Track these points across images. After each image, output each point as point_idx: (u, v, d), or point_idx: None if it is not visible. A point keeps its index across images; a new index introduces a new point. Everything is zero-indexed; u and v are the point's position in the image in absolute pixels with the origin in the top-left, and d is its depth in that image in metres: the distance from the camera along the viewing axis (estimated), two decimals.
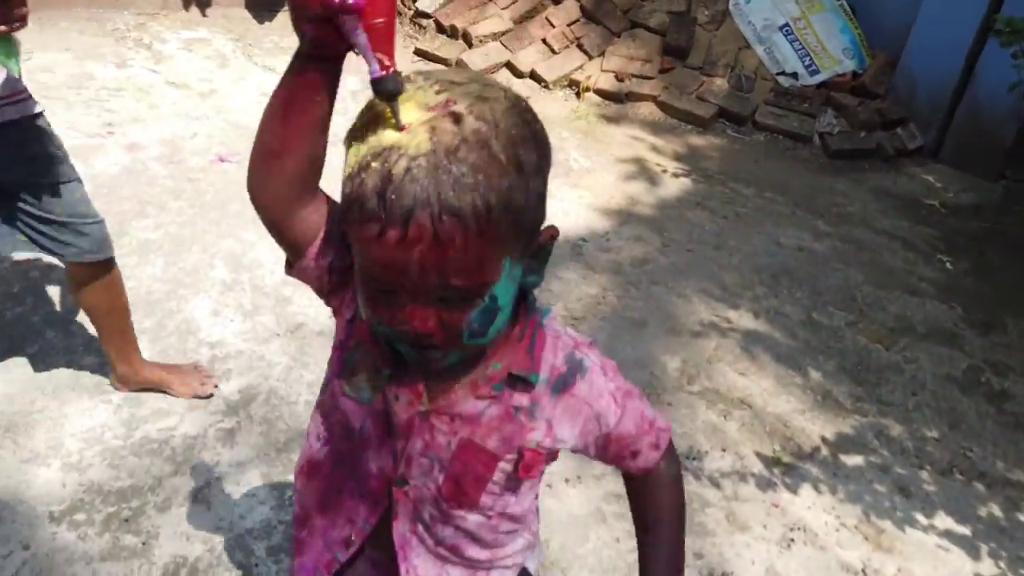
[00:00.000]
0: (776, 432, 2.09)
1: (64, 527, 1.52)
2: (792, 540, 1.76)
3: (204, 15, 4.59)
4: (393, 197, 0.64)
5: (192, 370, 1.91)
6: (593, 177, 3.46)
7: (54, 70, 3.57)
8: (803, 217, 3.38)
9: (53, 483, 1.61)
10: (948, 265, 3.17)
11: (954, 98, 4.08)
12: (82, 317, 2.04)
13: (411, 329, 0.71)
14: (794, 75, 4.34)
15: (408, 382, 0.80)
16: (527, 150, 0.69)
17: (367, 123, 0.69)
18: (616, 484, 1.85)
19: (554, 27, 4.59)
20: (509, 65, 4.47)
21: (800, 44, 4.37)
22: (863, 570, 1.71)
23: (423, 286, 0.68)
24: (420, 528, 0.87)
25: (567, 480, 1.84)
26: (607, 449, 0.89)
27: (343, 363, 0.85)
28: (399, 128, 0.66)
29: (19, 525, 1.52)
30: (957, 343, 2.63)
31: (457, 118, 0.67)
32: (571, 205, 3.17)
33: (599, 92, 4.36)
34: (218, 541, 1.55)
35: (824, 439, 2.08)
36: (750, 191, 3.56)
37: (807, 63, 4.35)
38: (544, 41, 4.54)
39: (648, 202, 3.31)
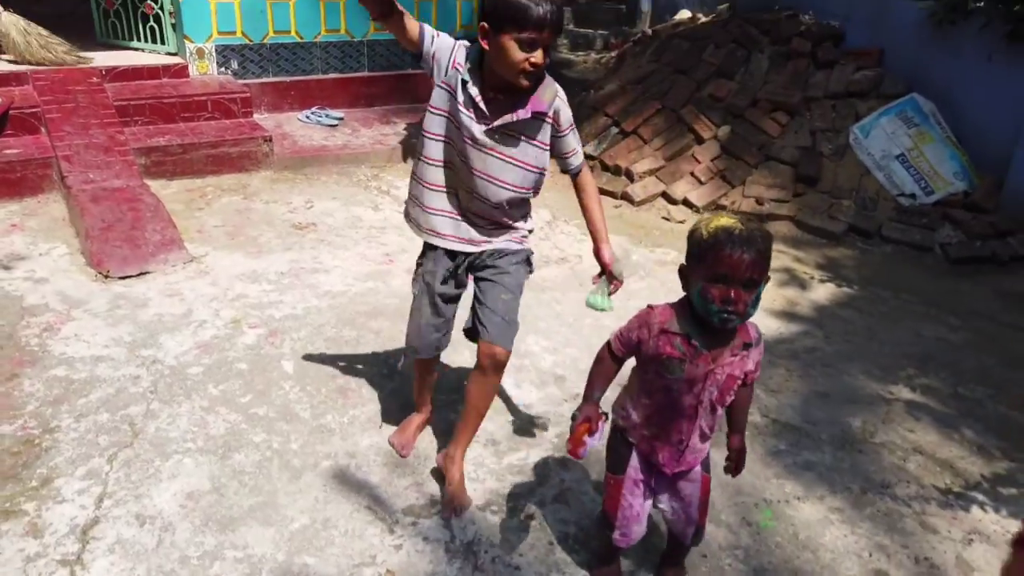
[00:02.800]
0: (945, 471, 2.79)
1: (488, 514, 2.40)
2: (972, 539, 2.45)
3: None
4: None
5: None
6: None
7: (333, 215, 4.75)
8: (937, 314, 4.10)
9: (473, 489, 2.50)
10: None
11: None
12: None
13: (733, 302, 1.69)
14: (912, 196, 5.15)
15: (700, 356, 1.79)
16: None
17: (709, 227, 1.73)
18: (834, 501, 2.60)
19: (700, 163, 5.57)
20: (665, 195, 5.45)
21: (915, 170, 5.19)
22: None
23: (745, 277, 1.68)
24: (702, 422, 1.89)
25: (798, 498, 2.60)
26: (755, 367, 1.90)
27: (666, 368, 1.83)
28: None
29: (470, 513, 2.40)
30: None
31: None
32: None
33: (742, 214, 5.27)
34: (585, 524, 2.39)
35: (983, 476, 2.77)
36: (888, 294, 4.31)
37: (923, 185, 5.16)
38: (692, 174, 5.53)
39: (805, 303, 4.12)
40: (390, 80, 6.59)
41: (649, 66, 6.39)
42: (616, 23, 8.44)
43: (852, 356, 3.59)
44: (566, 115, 2.22)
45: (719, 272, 1.67)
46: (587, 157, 5.86)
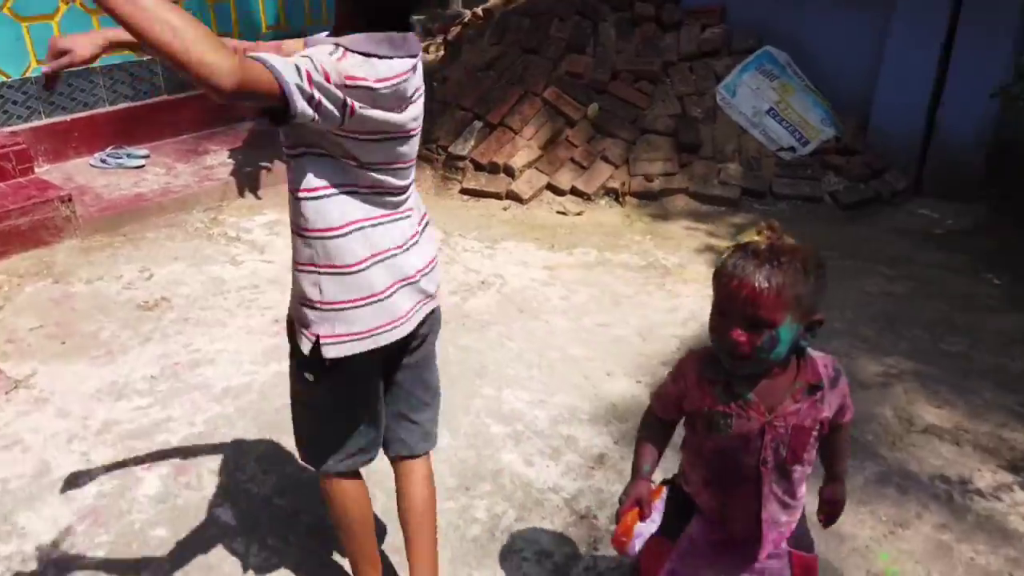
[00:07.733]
0: (1003, 449, 2.61)
1: None
2: None
3: (258, 197, 4.89)
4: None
5: None
6: (691, 270, 3.99)
7: (186, 282, 3.77)
8: (864, 266, 4.01)
9: None
10: (996, 281, 3.88)
11: (923, 143, 4.96)
12: None
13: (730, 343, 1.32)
14: (791, 149, 5.10)
15: (750, 407, 1.40)
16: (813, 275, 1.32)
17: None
18: (932, 517, 2.31)
19: (577, 147, 5.17)
20: (550, 186, 5.00)
21: (787, 122, 5.15)
22: None
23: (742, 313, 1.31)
24: (774, 486, 1.45)
25: (899, 526, 2.27)
26: (840, 410, 1.48)
27: (710, 424, 1.44)
28: None
29: None
30: None
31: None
32: (690, 300, 3.66)
33: (635, 195, 4.95)
34: None
35: None
36: None
37: (797, 136, 5.13)
38: (573, 160, 5.12)
39: None
40: (197, 101, 5.49)
41: (492, 49, 5.86)
42: (427, 6, 7.80)
43: (828, 331, 3.36)
44: None
45: (720, 304, 1.35)
46: (456, 158, 5.27)
